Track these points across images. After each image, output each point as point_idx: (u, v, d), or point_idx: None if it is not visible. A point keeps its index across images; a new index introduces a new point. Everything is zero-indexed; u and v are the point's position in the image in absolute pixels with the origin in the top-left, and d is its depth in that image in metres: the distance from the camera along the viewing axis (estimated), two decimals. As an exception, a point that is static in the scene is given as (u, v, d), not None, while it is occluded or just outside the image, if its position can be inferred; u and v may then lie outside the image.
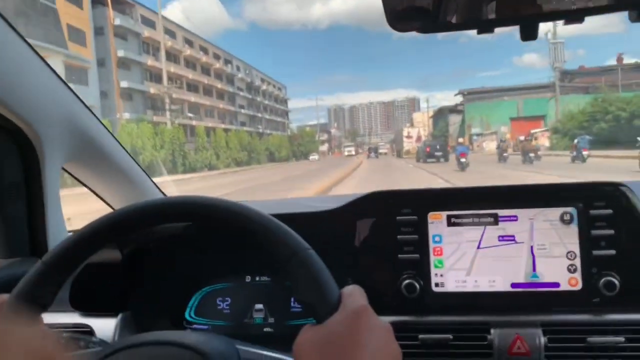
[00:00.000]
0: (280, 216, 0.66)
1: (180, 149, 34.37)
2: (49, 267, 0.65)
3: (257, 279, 1.18)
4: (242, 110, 65.53)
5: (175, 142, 33.86)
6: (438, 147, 32.63)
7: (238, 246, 1.13)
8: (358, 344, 0.52)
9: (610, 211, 0.92)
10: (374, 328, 0.54)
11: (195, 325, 1.15)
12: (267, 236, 0.62)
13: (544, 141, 35.79)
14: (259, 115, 73.69)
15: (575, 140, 21.98)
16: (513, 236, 0.95)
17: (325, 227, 1.04)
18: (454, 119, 53.71)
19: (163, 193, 1.40)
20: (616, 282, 0.89)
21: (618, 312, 0.91)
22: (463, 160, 20.78)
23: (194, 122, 45.76)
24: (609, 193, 0.93)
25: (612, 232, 0.91)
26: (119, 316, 1.05)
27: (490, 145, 43.49)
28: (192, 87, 50.35)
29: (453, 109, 54.65)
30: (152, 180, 1.38)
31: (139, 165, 1.37)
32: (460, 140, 32.03)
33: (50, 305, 0.66)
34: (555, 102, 42.71)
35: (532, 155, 22.02)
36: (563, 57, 45.94)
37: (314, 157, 65.68)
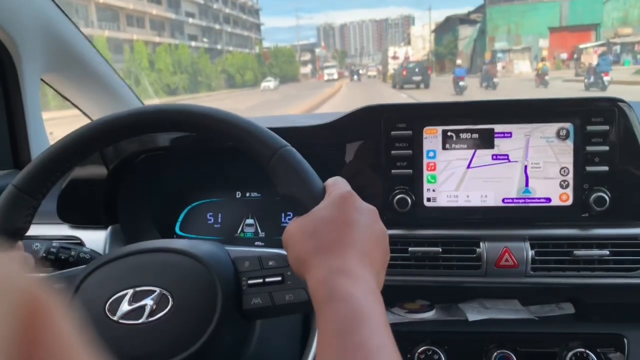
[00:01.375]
0: (270, 130, 0.64)
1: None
2: (22, 191, 0.63)
3: (248, 194, 1.17)
4: (190, 20, 48.26)
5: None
6: (417, 69, 28.06)
7: (228, 161, 1.11)
8: (346, 222, 0.53)
9: (606, 127, 0.91)
10: (361, 209, 0.55)
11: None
12: (247, 138, 0.61)
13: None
14: (217, 27, 55.92)
15: (595, 62, 17.84)
16: (507, 155, 0.94)
17: (318, 141, 1.02)
18: (466, 32, 42.36)
19: (142, 103, 1.35)
20: (606, 197, 0.90)
21: (604, 227, 0.93)
22: (462, 83, 20.15)
23: (104, 32, 31.30)
24: (607, 109, 0.91)
25: (606, 148, 0.91)
26: (109, 229, 1.05)
27: (523, 66, 30.85)
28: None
29: (465, 19, 43.84)
30: (133, 92, 1.32)
31: (119, 76, 1.31)
32: (459, 62, 28.15)
33: (27, 230, 0.65)
34: (613, 5, 29.65)
35: (495, 80, 21.27)
36: None
37: (267, 83, 46.27)
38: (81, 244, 1.03)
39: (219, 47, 53.97)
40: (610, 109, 0.91)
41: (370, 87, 34.81)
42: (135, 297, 0.62)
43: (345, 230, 0.52)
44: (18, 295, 0.24)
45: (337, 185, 0.59)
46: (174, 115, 0.64)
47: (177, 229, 1.16)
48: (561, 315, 1.03)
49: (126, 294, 0.62)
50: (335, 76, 61.93)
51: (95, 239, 1.03)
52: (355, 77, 53.29)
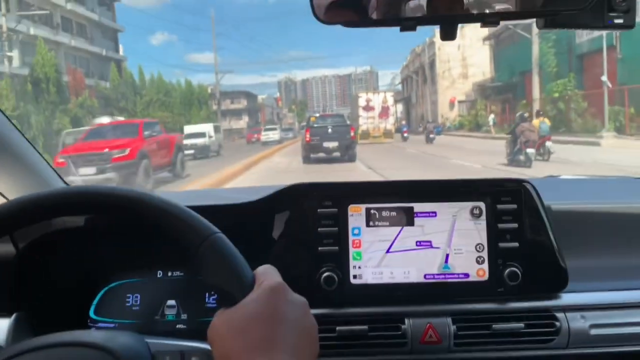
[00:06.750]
0: (194, 208, 0.63)
1: None
2: None
3: (170, 274, 1.12)
4: None
5: None
6: (330, 129, 16.34)
7: (148, 239, 1.07)
8: (276, 317, 0.52)
9: (515, 206, 0.98)
10: (291, 302, 0.54)
11: (100, 324, 1.08)
12: (173, 223, 0.59)
13: None
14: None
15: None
16: (430, 242, 0.97)
17: (244, 220, 1.01)
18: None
19: (65, 182, 1.29)
20: (519, 272, 0.95)
21: (519, 300, 0.98)
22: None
23: None
24: (513, 189, 0.99)
25: (516, 225, 0.97)
26: (13, 317, 0.96)
27: None
28: None
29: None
30: (51, 167, 1.26)
31: (36, 151, 1.25)
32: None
33: None
34: None
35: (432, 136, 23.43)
36: None
37: None
38: None
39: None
40: (516, 189, 0.98)
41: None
42: None
43: (274, 326, 0.51)
44: None
45: (267, 274, 0.57)
46: (95, 198, 0.61)
47: (91, 313, 1.08)
48: None
49: None
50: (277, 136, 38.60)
51: None
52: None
